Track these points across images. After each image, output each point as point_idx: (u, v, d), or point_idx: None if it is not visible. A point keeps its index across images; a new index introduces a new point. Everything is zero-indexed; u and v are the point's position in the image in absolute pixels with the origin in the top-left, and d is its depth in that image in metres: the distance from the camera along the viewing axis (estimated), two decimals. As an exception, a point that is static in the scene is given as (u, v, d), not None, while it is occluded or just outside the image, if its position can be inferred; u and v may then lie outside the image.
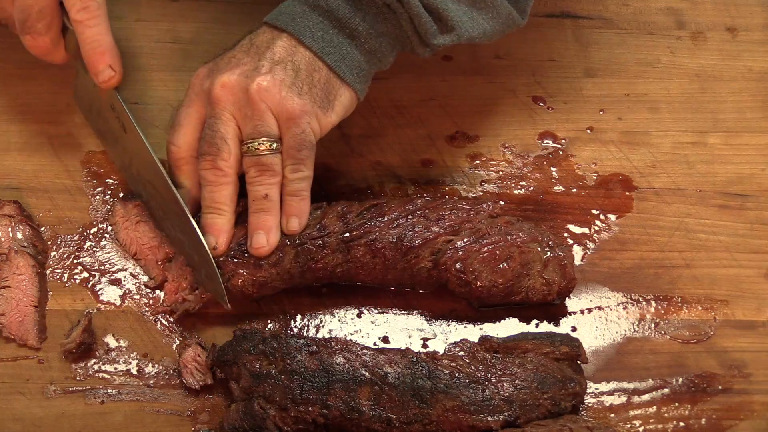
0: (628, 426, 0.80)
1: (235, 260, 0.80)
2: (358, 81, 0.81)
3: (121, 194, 0.86)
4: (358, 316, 0.84)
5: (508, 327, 0.84)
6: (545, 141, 0.92)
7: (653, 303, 0.85)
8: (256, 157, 0.78)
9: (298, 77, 0.78)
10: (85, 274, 0.84)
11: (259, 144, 0.78)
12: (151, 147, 0.82)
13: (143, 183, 0.84)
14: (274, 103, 0.77)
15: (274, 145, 0.78)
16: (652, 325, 0.84)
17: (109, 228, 0.86)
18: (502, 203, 0.87)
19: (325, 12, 0.79)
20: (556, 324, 0.84)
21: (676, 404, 0.81)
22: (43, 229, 0.85)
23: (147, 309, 0.83)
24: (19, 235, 0.83)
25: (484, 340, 0.79)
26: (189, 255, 0.82)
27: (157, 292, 0.84)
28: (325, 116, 0.79)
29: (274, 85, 0.77)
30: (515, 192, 0.89)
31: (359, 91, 0.81)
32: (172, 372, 0.81)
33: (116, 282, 0.84)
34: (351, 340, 0.81)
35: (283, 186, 0.79)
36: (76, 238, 0.85)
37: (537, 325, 0.84)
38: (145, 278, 0.84)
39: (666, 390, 0.82)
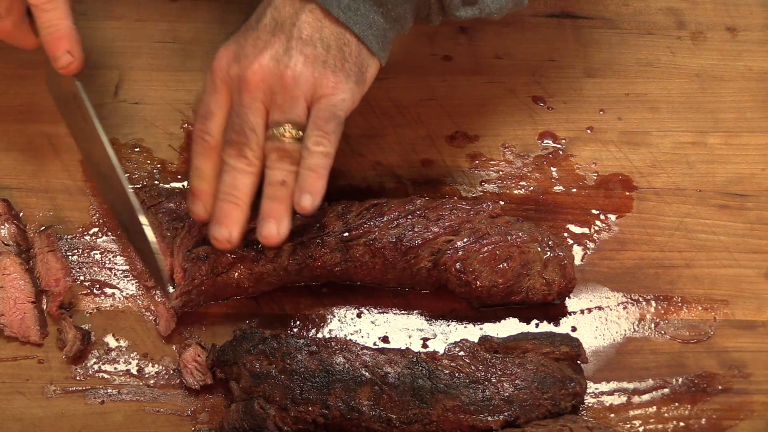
0: (628, 426, 0.80)
1: (233, 254, 0.80)
2: (383, 49, 0.78)
3: (42, 227, 0.85)
4: (358, 316, 0.84)
5: (508, 327, 0.84)
6: (545, 141, 0.92)
7: (653, 303, 0.85)
8: (280, 143, 0.75)
9: (330, 53, 0.75)
10: (85, 274, 0.84)
11: (284, 130, 0.75)
12: (108, 141, 0.80)
13: (100, 175, 0.83)
14: (308, 87, 0.74)
15: (300, 133, 0.75)
16: (652, 325, 0.84)
17: (108, 228, 0.86)
18: (502, 203, 0.87)
19: None
20: (556, 324, 0.84)
21: (676, 404, 0.81)
22: (43, 228, 0.85)
23: (147, 309, 0.83)
24: (4, 234, 0.83)
25: (484, 340, 0.79)
26: (140, 249, 0.81)
27: (157, 292, 0.84)
28: (359, 89, 0.77)
29: (306, 68, 0.74)
30: (515, 192, 0.89)
31: (383, 59, 0.78)
32: (172, 372, 0.81)
33: (116, 281, 0.84)
34: (351, 340, 0.81)
35: (302, 159, 0.75)
36: (76, 238, 0.85)
37: (537, 325, 0.84)
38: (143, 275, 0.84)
39: (666, 390, 0.82)
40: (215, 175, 0.77)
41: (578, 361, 0.79)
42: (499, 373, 0.77)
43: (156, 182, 0.88)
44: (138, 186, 0.87)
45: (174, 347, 0.81)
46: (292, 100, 0.75)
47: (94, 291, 0.83)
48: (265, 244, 0.77)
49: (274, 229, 0.76)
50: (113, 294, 0.83)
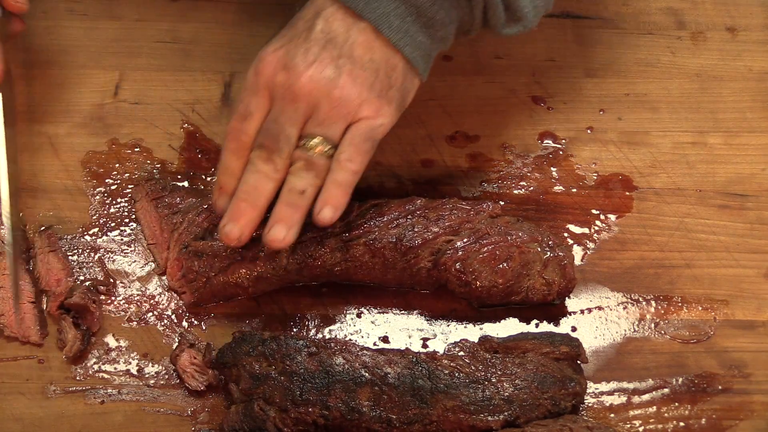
0: (628, 426, 0.80)
1: (232, 253, 0.80)
2: (426, 69, 0.79)
3: (42, 228, 0.86)
4: (358, 316, 0.84)
5: (508, 327, 0.84)
6: (545, 141, 0.92)
7: (653, 303, 0.85)
8: (309, 154, 0.75)
9: (377, 78, 0.75)
10: (85, 274, 0.84)
11: (315, 144, 0.75)
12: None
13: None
14: (352, 108, 0.75)
15: (331, 150, 0.76)
16: (652, 325, 0.84)
17: (108, 228, 0.86)
18: (502, 203, 0.87)
19: None
20: (556, 324, 0.84)
21: (676, 404, 0.81)
22: (43, 228, 0.85)
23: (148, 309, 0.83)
24: (4, 233, 0.83)
25: (484, 340, 0.79)
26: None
27: (156, 291, 0.84)
28: (398, 114, 0.78)
29: (354, 90, 0.74)
30: (515, 192, 0.89)
31: (424, 78, 0.79)
32: (172, 372, 0.81)
33: (115, 281, 0.84)
34: (350, 340, 0.81)
35: (330, 172, 0.76)
36: (76, 238, 0.85)
37: (537, 325, 0.84)
38: (144, 277, 0.84)
39: (666, 390, 0.82)
40: (240, 169, 0.78)
41: (578, 361, 0.79)
42: (499, 373, 0.77)
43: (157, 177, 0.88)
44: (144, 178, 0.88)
45: (174, 347, 0.81)
46: (333, 118, 0.75)
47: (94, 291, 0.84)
48: (269, 246, 0.77)
49: (282, 233, 0.76)
50: (113, 294, 0.83)
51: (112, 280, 0.84)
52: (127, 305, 0.83)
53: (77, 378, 0.80)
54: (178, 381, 0.80)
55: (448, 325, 0.84)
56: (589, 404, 0.81)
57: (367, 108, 0.75)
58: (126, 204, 0.87)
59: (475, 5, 0.77)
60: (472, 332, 0.83)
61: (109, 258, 0.85)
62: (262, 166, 0.76)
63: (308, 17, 0.77)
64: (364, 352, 0.77)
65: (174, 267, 0.82)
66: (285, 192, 0.76)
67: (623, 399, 0.81)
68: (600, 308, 0.85)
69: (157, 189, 0.86)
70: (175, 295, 0.83)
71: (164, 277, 0.84)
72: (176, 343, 0.81)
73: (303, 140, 0.76)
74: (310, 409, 0.75)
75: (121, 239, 0.86)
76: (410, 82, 0.78)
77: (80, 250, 0.85)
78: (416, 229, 0.81)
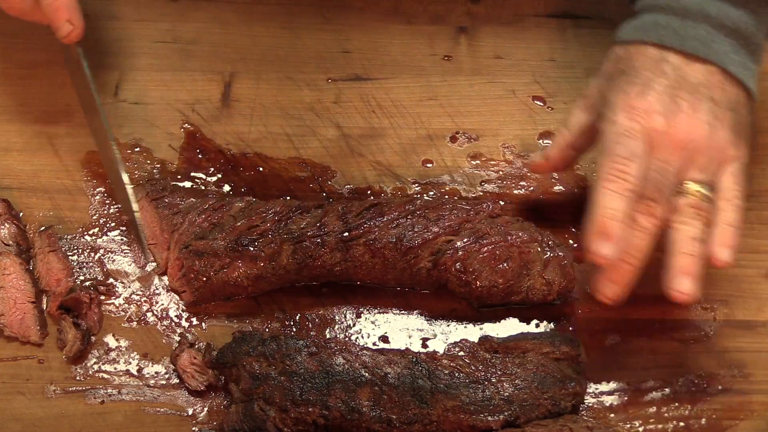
0: (628, 426, 0.80)
1: (232, 253, 0.80)
2: (755, 86, 0.78)
3: (42, 228, 0.86)
4: (358, 316, 0.84)
5: (508, 327, 0.84)
6: (545, 141, 0.92)
7: (653, 303, 0.85)
8: (694, 200, 0.74)
9: (735, 117, 0.76)
10: (85, 274, 0.84)
11: (698, 189, 0.75)
12: (100, 102, 0.84)
13: (98, 141, 0.87)
14: (724, 152, 0.75)
15: (710, 193, 0.75)
16: (652, 325, 0.84)
17: (108, 228, 0.86)
18: (502, 203, 0.87)
19: (732, 32, 0.76)
20: (556, 324, 0.84)
21: (676, 404, 0.81)
22: (43, 228, 0.85)
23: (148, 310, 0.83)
24: (4, 234, 0.83)
25: (484, 340, 0.79)
26: (127, 215, 0.85)
27: (156, 291, 0.84)
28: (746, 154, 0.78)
29: (725, 134, 0.75)
30: (515, 192, 0.89)
31: (756, 101, 0.79)
32: (172, 372, 0.81)
33: (116, 281, 0.84)
34: (350, 340, 0.81)
35: (721, 212, 0.75)
36: (76, 238, 0.85)
37: (537, 325, 0.84)
38: (144, 277, 0.84)
39: (666, 390, 0.82)
40: (626, 219, 0.73)
41: (578, 361, 0.79)
42: (499, 373, 0.77)
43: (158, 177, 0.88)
44: (144, 179, 0.88)
45: (174, 347, 0.81)
46: (713, 163, 0.75)
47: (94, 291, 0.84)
48: (675, 300, 0.74)
49: (690, 286, 0.74)
50: (113, 294, 0.83)
51: (112, 280, 0.84)
52: (127, 305, 0.83)
53: (77, 378, 0.80)
54: (178, 381, 0.80)
55: (448, 325, 0.84)
56: (589, 404, 0.81)
57: (735, 148, 0.76)
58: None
59: None
60: (472, 332, 0.83)
61: (109, 258, 0.85)
62: (645, 222, 0.74)
63: (649, 65, 0.76)
64: (364, 352, 0.77)
65: (174, 267, 0.82)
66: (677, 241, 0.74)
67: (623, 399, 0.81)
68: (600, 308, 0.85)
69: (157, 189, 0.86)
70: (175, 294, 0.83)
71: (164, 277, 0.84)
72: (176, 343, 0.81)
73: (684, 186, 0.75)
74: (310, 409, 0.75)
75: (121, 239, 0.86)
76: (750, 112, 0.78)
77: (80, 250, 0.85)
78: (416, 229, 0.81)
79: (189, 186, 0.88)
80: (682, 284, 0.73)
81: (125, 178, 0.85)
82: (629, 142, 0.74)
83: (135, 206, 0.85)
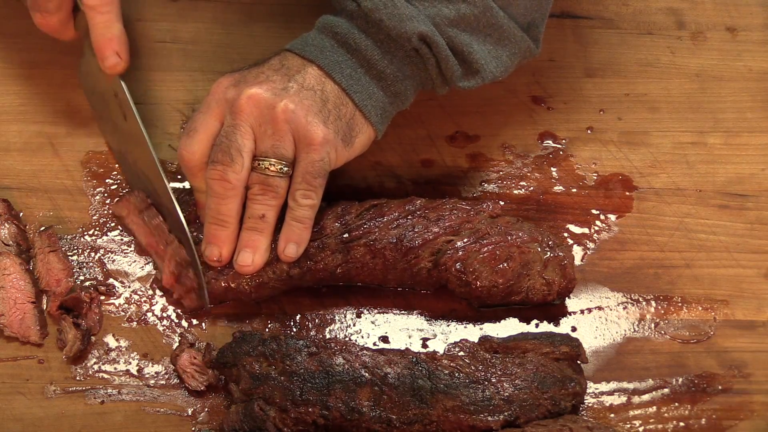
0: (628, 426, 0.80)
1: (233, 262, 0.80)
2: (381, 122, 0.80)
3: (42, 228, 0.86)
4: (358, 316, 0.84)
5: (508, 327, 0.84)
6: (545, 141, 0.92)
7: (653, 303, 0.85)
8: (264, 176, 0.77)
9: (326, 106, 0.77)
10: (85, 274, 0.84)
11: (270, 164, 0.77)
12: (150, 140, 0.82)
13: (138, 173, 0.85)
14: (298, 127, 0.76)
15: (285, 168, 0.77)
16: (652, 325, 0.84)
17: (108, 228, 0.86)
18: (502, 203, 0.87)
19: (353, 51, 0.78)
20: (556, 324, 0.84)
21: (676, 404, 0.81)
22: (43, 228, 0.85)
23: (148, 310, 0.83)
24: (4, 234, 0.83)
25: (484, 340, 0.79)
26: (181, 246, 0.82)
27: (156, 291, 0.84)
28: (344, 150, 0.79)
29: (301, 109, 0.76)
30: (515, 192, 0.89)
31: (379, 131, 0.81)
32: (172, 372, 0.81)
33: (115, 281, 0.84)
34: (350, 340, 0.81)
35: (289, 210, 0.78)
36: (76, 238, 0.85)
37: (537, 325, 0.84)
38: (144, 277, 0.84)
39: (666, 390, 0.82)
40: (203, 188, 0.80)
41: (578, 361, 0.79)
42: (499, 373, 0.77)
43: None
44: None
45: (174, 347, 0.81)
46: (280, 133, 0.76)
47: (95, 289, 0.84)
48: (240, 272, 0.79)
49: (250, 258, 0.79)
50: (113, 294, 0.83)
51: (112, 280, 0.84)
52: (127, 305, 0.83)
53: (77, 378, 0.80)
54: (178, 381, 0.80)
55: (448, 325, 0.84)
56: (589, 404, 0.81)
57: (313, 133, 0.76)
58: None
59: (428, 61, 0.78)
60: (472, 332, 0.83)
61: (109, 258, 0.85)
62: (218, 187, 0.77)
63: (270, 59, 0.80)
64: (364, 352, 0.77)
65: (171, 279, 0.82)
66: (246, 218, 0.79)
67: (623, 399, 0.81)
68: (600, 308, 0.85)
69: (141, 198, 0.85)
70: (177, 304, 0.83)
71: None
72: (176, 343, 0.81)
73: (256, 161, 0.77)
74: (310, 409, 0.75)
75: (121, 239, 0.86)
76: (360, 126, 0.79)
77: (80, 250, 0.85)
78: (416, 230, 0.81)
79: (174, 188, 0.87)
80: (241, 257, 0.79)
81: (182, 218, 0.82)
82: (195, 116, 0.79)
83: (194, 248, 0.81)
